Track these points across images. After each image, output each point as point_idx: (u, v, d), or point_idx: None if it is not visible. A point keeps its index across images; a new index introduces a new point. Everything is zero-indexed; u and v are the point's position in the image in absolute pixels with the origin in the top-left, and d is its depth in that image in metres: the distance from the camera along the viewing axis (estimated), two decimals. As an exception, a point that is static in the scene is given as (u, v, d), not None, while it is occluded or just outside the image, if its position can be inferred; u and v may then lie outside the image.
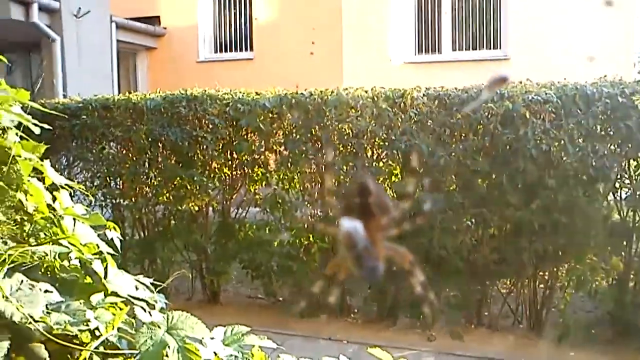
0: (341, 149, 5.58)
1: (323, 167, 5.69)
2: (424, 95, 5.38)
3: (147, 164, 6.29)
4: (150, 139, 6.12)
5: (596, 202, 5.10)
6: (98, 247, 1.29)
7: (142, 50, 11.82)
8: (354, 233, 0.90)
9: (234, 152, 5.98)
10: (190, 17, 11.73)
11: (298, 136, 5.74)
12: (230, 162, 6.06)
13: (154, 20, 11.82)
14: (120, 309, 1.20)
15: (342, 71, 10.53)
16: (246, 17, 11.60)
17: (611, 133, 5.01)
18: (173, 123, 5.99)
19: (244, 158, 5.94)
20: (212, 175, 6.01)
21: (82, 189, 1.34)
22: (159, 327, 1.01)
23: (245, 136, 5.92)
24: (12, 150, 1.24)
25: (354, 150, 5.54)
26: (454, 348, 5.10)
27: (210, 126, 5.92)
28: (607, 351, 5.06)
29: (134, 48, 11.56)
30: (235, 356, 1.07)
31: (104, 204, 6.42)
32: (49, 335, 0.98)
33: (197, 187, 5.99)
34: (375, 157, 5.59)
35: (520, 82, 5.33)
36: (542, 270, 5.38)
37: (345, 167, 5.54)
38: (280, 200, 5.78)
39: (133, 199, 6.36)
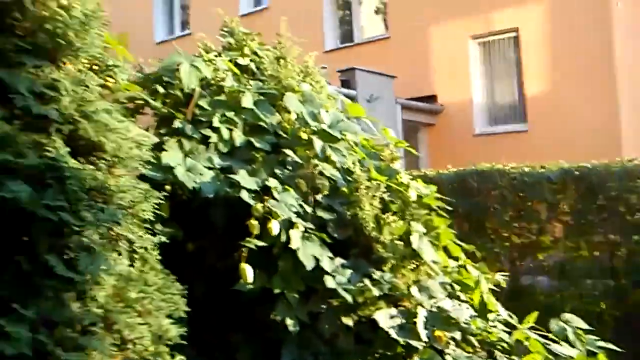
0: (628, 218, 5.73)
1: (611, 236, 5.85)
2: None
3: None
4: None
5: None
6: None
7: (422, 126, 12.84)
8: None
9: (522, 221, 6.44)
10: (464, 92, 12.35)
11: (582, 206, 6.01)
12: (518, 230, 6.51)
13: (431, 99, 12.78)
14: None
15: (620, 137, 9.97)
16: (518, 88, 11.80)
17: None
18: (465, 194, 6.67)
19: (531, 227, 6.35)
20: (502, 243, 6.52)
21: (473, 249, 2.02)
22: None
23: (531, 206, 6.35)
24: (432, 221, 1.98)
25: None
26: None
27: (500, 198, 6.47)
28: None
29: (416, 126, 12.61)
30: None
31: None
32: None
33: (487, 254, 6.53)
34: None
35: None
36: None
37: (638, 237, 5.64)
38: (568, 268, 6.04)
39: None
